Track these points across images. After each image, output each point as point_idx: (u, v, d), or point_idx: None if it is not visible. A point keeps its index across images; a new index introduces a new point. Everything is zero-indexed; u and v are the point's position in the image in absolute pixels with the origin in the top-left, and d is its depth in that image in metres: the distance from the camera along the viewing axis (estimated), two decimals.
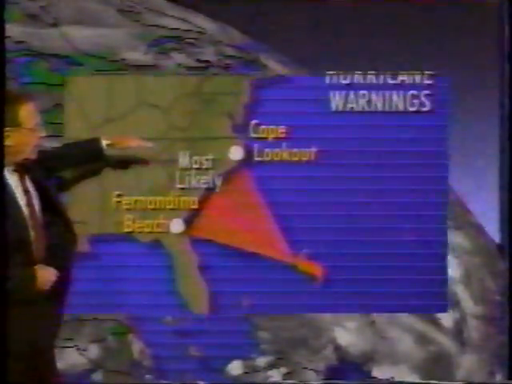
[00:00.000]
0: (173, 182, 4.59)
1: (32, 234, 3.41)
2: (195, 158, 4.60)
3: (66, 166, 3.98)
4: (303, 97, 4.60)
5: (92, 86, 4.55)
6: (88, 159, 4.08)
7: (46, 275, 3.42)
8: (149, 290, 4.55)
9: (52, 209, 3.52)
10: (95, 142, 4.06)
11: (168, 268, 4.58)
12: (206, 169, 4.61)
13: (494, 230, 4.80)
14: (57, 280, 3.51)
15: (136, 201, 4.59)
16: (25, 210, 3.41)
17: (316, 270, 4.58)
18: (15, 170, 3.40)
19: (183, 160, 4.59)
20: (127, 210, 4.59)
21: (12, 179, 3.41)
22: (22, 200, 3.42)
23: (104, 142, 4.11)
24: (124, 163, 4.27)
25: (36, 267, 3.39)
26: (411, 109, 4.62)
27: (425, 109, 4.62)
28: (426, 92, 4.61)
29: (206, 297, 4.59)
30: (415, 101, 4.62)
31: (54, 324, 3.56)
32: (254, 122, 4.61)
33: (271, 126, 4.61)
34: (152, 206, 4.61)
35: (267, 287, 4.57)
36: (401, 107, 4.63)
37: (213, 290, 4.59)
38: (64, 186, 4.18)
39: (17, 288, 3.35)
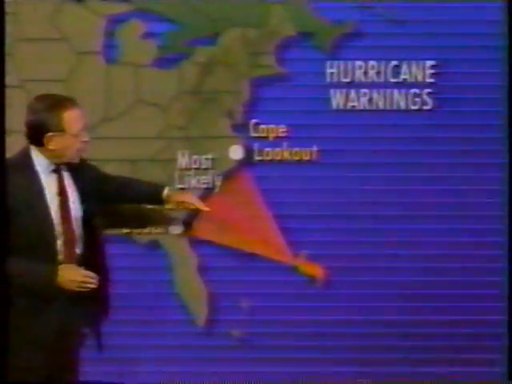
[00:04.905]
0: (172, 181, 4.52)
1: (57, 233, 3.41)
2: (194, 157, 4.54)
3: (122, 198, 3.97)
4: (304, 95, 4.54)
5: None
6: (146, 201, 4.11)
7: (70, 274, 3.38)
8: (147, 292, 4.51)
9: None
10: (160, 187, 4.10)
11: (167, 269, 4.53)
12: (206, 168, 4.55)
13: None
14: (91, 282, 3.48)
15: None
16: (55, 210, 3.43)
17: (317, 271, 4.54)
18: (54, 171, 3.42)
19: (182, 160, 4.54)
20: None
21: (48, 180, 3.43)
22: (53, 201, 3.43)
23: (166, 192, 4.11)
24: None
25: (60, 266, 3.39)
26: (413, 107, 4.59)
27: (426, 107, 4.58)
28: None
29: (206, 299, 4.54)
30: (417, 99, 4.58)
31: (81, 323, 3.55)
32: (254, 120, 4.55)
33: (271, 125, 4.55)
34: None
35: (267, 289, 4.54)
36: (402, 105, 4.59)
37: (212, 292, 4.54)
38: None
39: (34, 283, 3.40)
